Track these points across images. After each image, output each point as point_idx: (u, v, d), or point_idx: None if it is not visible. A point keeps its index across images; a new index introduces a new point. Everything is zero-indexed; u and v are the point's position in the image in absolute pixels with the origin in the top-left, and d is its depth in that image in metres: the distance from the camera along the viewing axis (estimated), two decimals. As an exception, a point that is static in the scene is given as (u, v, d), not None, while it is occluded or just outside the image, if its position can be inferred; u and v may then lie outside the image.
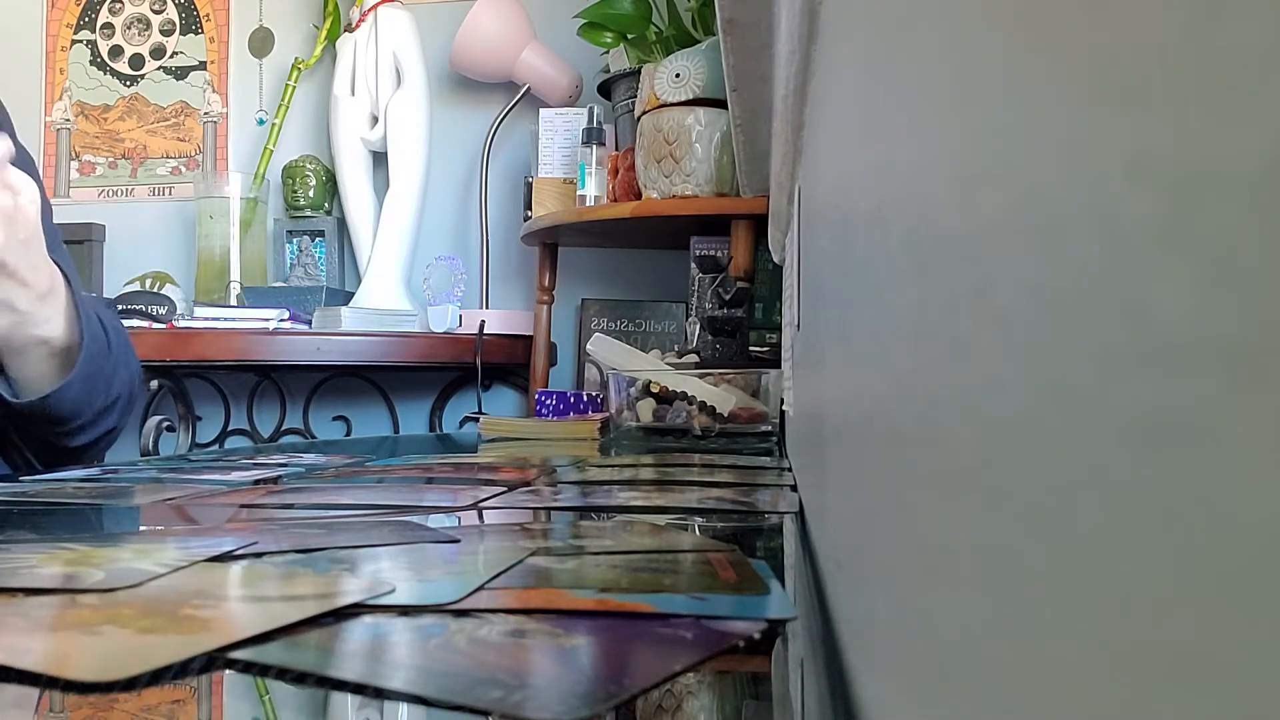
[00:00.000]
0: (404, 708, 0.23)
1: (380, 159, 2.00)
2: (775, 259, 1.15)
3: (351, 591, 0.31)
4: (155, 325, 1.73)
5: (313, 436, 2.02)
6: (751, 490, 0.62)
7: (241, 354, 1.65)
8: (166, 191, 2.22)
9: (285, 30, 2.16)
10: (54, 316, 0.81)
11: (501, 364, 1.85)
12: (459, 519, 0.50)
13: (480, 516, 0.52)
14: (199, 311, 1.75)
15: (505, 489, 0.61)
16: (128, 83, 2.24)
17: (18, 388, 0.82)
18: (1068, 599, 0.09)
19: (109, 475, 0.72)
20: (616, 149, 1.66)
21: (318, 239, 2.03)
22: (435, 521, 0.47)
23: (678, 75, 1.40)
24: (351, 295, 1.92)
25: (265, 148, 2.08)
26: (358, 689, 0.23)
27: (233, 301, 1.92)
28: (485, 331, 1.74)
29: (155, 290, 2.09)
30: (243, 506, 0.55)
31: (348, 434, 2.04)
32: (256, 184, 2.03)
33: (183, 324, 1.72)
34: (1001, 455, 0.12)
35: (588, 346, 1.21)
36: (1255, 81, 0.06)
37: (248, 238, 2.00)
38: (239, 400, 2.07)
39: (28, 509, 0.56)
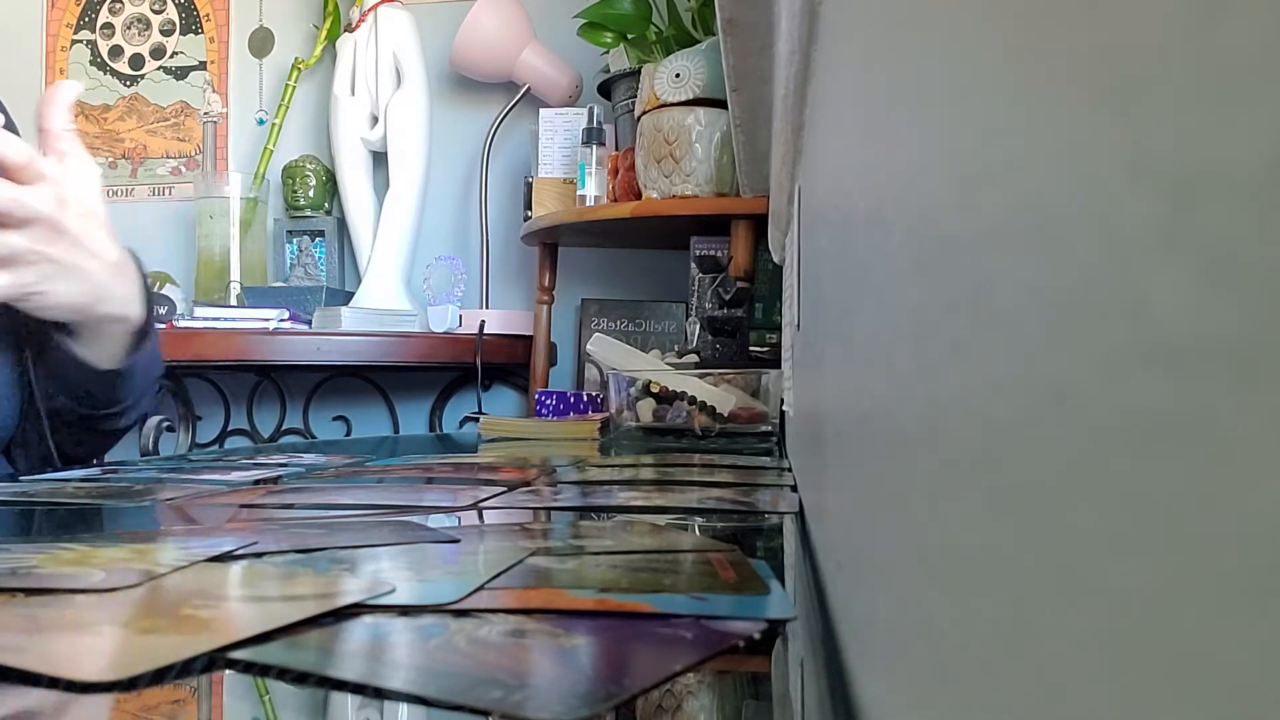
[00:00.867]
0: (404, 708, 0.23)
1: (380, 159, 2.00)
2: (775, 259, 1.15)
3: (351, 591, 0.31)
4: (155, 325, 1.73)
5: (313, 436, 2.02)
6: (751, 490, 0.62)
7: (241, 354, 1.65)
8: (166, 191, 2.22)
9: (285, 30, 2.16)
10: (130, 294, 0.82)
11: (501, 364, 1.85)
12: (459, 519, 0.50)
13: (480, 516, 0.52)
14: (199, 311, 1.75)
15: (505, 489, 0.61)
16: (128, 83, 2.24)
17: (92, 363, 0.84)
18: (1068, 599, 0.09)
19: (109, 475, 0.72)
20: (616, 149, 1.66)
21: (318, 239, 2.03)
22: (435, 521, 0.47)
23: (678, 75, 1.40)
24: (351, 295, 1.92)
25: (265, 148, 2.08)
26: (358, 689, 0.23)
27: (233, 301, 1.92)
28: (485, 331, 1.74)
29: (155, 290, 2.09)
30: (243, 506, 0.55)
31: (348, 434, 2.04)
32: (256, 184, 2.03)
33: (183, 324, 1.72)
34: (1001, 455, 0.12)
35: (588, 346, 1.21)
36: (1255, 81, 0.06)
37: (248, 238, 2.00)
38: (239, 400, 2.07)
39: (28, 509, 0.56)
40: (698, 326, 1.29)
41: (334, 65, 1.99)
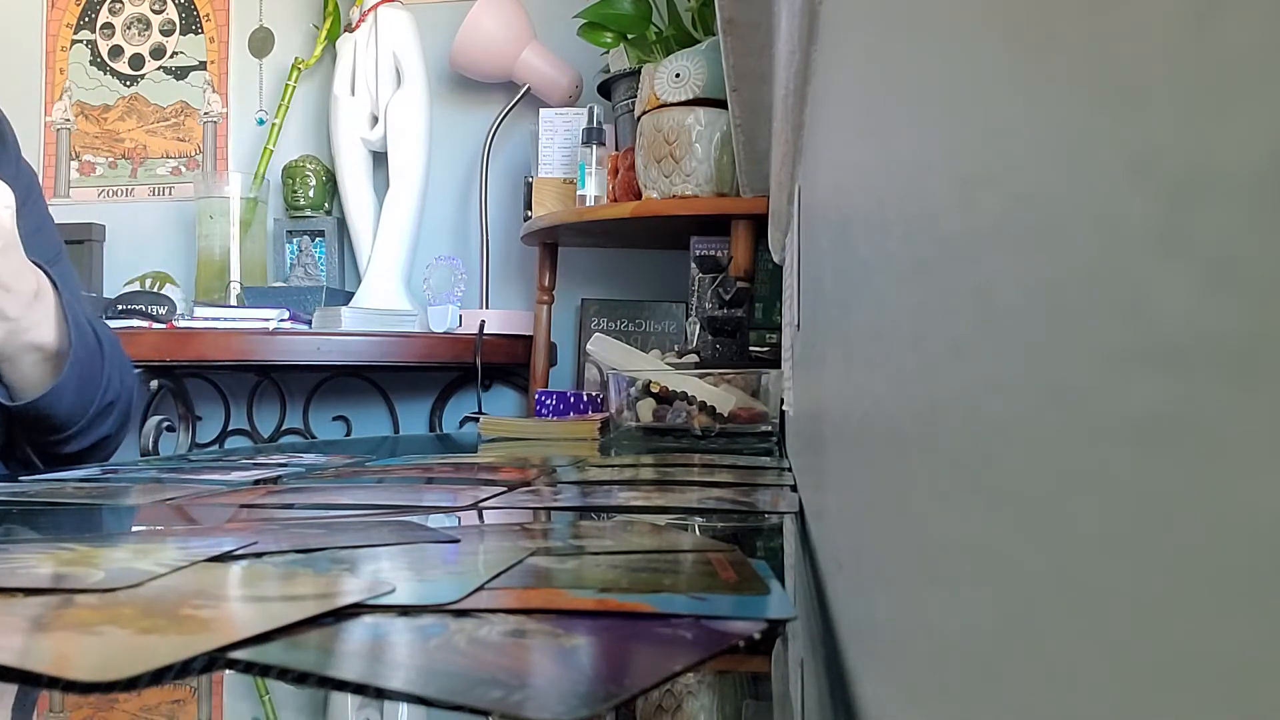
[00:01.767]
0: (404, 708, 0.23)
1: (380, 159, 2.00)
2: (775, 259, 1.15)
3: (351, 591, 0.31)
4: (155, 325, 1.73)
5: (313, 436, 2.02)
6: (751, 490, 0.62)
7: (241, 354, 1.65)
8: (166, 191, 2.22)
9: (285, 30, 2.16)
10: (43, 321, 0.81)
11: (501, 364, 1.85)
12: (459, 519, 0.50)
13: (480, 516, 0.52)
14: (199, 311, 1.75)
15: (505, 489, 0.61)
16: (128, 83, 2.24)
17: (14, 393, 0.82)
18: (1067, 599, 0.09)
19: (109, 475, 0.72)
20: (616, 149, 1.66)
21: (318, 239, 2.03)
22: (435, 521, 0.47)
23: (678, 75, 1.40)
24: (351, 295, 1.92)
25: (265, 148, 2.08)
26: (358, 689, 0.23)
27: (233, 301, 1.92)
28: (485, 331, 1.74)
29: (155, 290, 2.09)
30: (243, 506, 0.55)
31: (348, 434, 2.04)
32: (256, 184, 2.03)
33: (183, 324, 1.72)
34: (1001, 455, 0.12)
35: (588, 346, 1.21)
36: (1255, 81, 0.06)
37: (248, 238, 2.00)
38: (239, 400, 2.07)
39: (28, 509, 0.56)
40: (698, 326, 1.29)
41: (334, 65, 1.99)
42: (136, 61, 2.23)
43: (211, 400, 2.06)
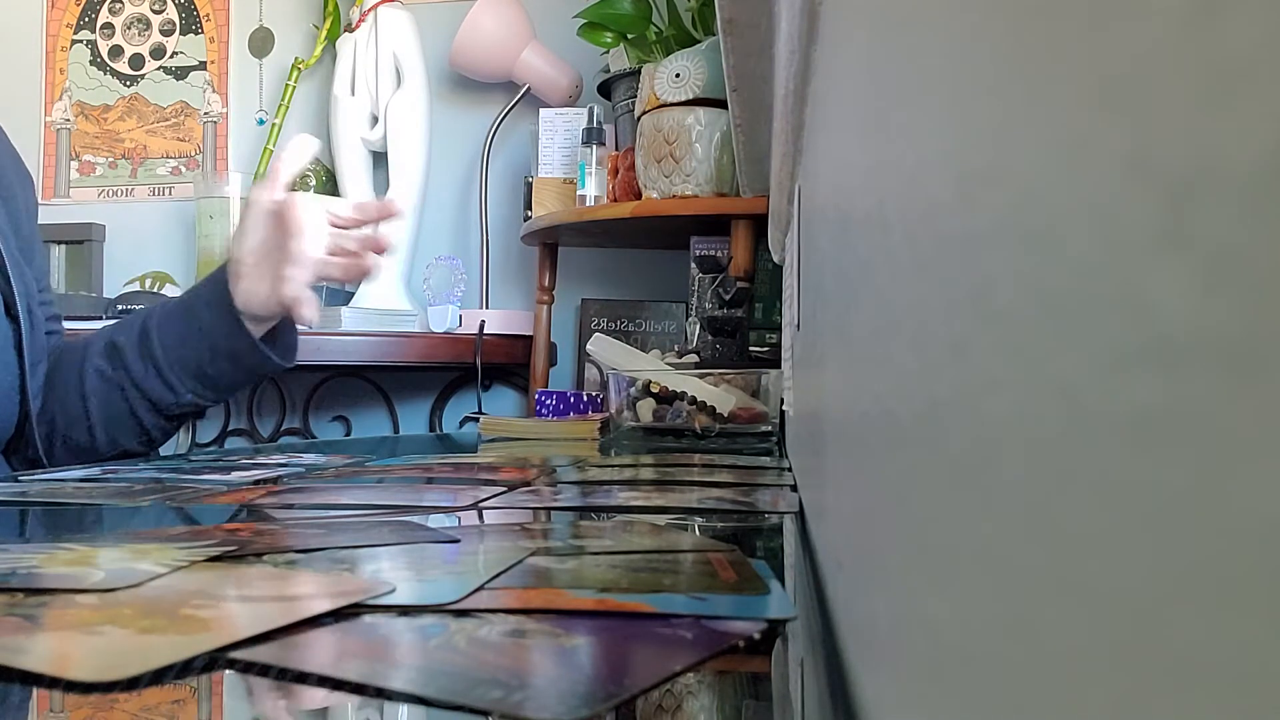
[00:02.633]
0: (404, 708, 0.23)
1: (380, 159, 2.00)
2: (775, 259, 1.15)
3: (351, 591, 0.31)
4: (155, 325, 1.72)
5: (313, 436, 2.02)
6: (751, 490, 0.62)
7: (241, 354, 1.64)
8: (166, 191, 2.22)
9: (285, 30, 2.16)
10: None
11: (501, 364, 1.85)
12: (459, 519, 0.50)
13: (480, 516, 0.52)
14: (199, 311, 1.74)
15: (505, 489, 0.61)
16: (128, 83, 2.24)
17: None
18: (1067, 599, 0.09)
19: (109, 475, 0.72)
20: (616, 149, 1.66)
21: (318, 239, 2.02)
22: (435, 521, 0.47)
23: (678, 75, 1.40)
24: (351, 295, 1.92)
25: (265, 148, 2.08)
26: (358, 689, 0.23)
27: (233, 301, 1.92)
28: (485, 331, 1.74)
29: (155, 290, 2.09)
30: (243, 506, 0.55)
31: (348, 434, 2.04)
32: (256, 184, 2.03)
33: (183, 324, 1.72)
34: (1001, 455, 0.12)
35: (588, 346, 1.21)
36: (1255, 81, 0.06)
37: (248, 238, 1.99)
38: (239, 400, 2.07)
39: (28, 509, 0.56)
40: (698, 326, 1.29)
41: (334, 65, 1.99)
42: (136, 61, 2.23)
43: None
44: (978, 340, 0.13)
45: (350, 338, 1.71)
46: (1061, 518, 0.10)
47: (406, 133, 1.93)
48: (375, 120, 1.97)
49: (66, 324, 1.03)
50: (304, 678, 0.24)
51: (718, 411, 1.03)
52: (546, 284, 1.76)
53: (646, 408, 1.07)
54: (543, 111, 1.79)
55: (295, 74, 2.08)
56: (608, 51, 1.70)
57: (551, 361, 1.81)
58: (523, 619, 0.28)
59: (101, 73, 2.25)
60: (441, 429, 2.01)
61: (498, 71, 1.89)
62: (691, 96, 1.39)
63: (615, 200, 1.57)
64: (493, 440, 1.13)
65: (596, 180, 1.61)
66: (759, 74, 0.88)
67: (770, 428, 1.04)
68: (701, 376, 1.06)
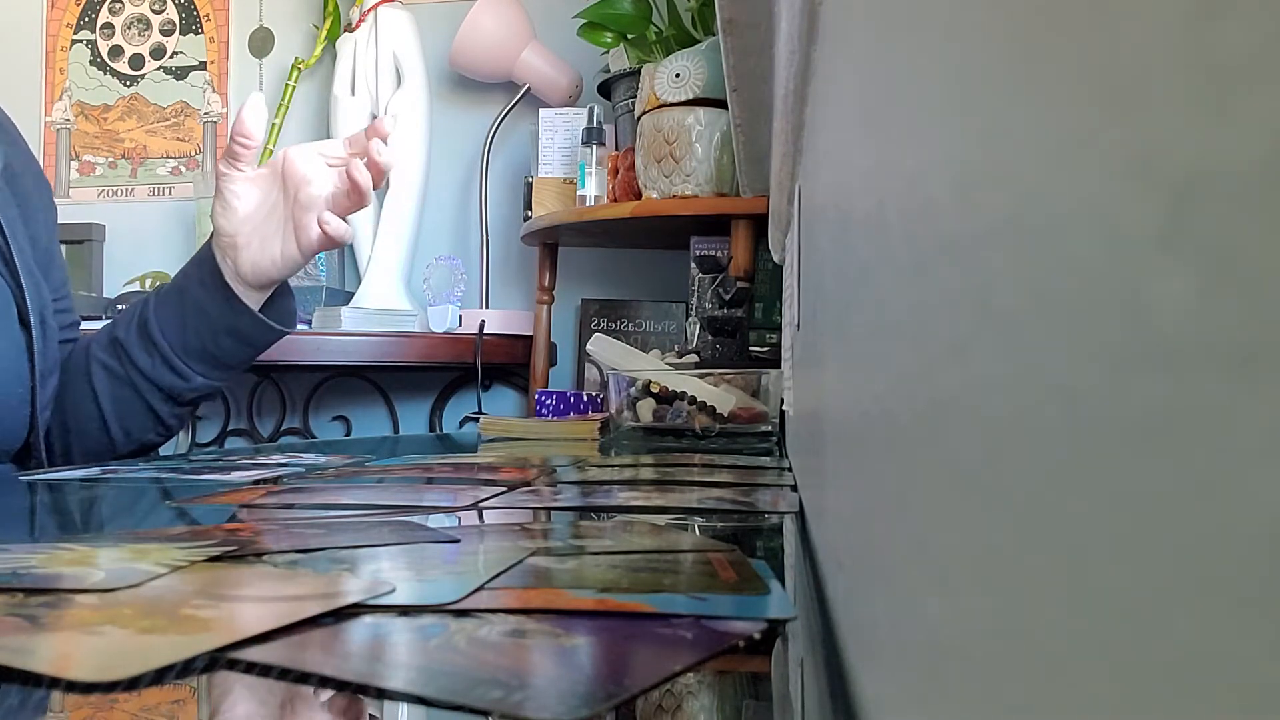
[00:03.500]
0: (404, 708, 0.23)
1: (380, 159, 1.99)
2: (775, 259, 1.15)
3: (351, 591, 0.31)
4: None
5: (313, 436, 2.02)
6: (751, 490, 0.62)
7: (241, 354, 1.64)
8: (166, 191, 2.22)
9: (285, 30, 2.16)
10: None
11: (501, 364, 1.85)
12: (459, 519, 0.50)
13: (480, 516, 0.52)
14: (199, 311, 1.74)
15: (505, 489, 0.61)
16: (128, 83, 2.24)
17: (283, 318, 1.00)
18: (1068, 599, 0.09)
19: (108, 475, 0.72)
20: (616, 149, 1.66)
21: (318, 239, 2.02)
22: (435, 521, 0.47)
23: (678, 75, 1.40)
24: (351, 295, 1.92)
25: (265, 148, 2.08)
26: (358, 689, 0.23)
27: (233, 301, 1.92)
28: (485, 331, 1.74)
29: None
30: (243, 506, 0.55)
31: (348, 434, 2.04)
32: (256, 184, 2.02)
33: (183, 324, 1.72)
34: (1001, 455, 0.12)
35: (588, 346, 1.21)
36: (1255, 81, 0.06)
37: (248, 238, 1.99)
38: (239, 400, 2.07)
39: (28, 509, 0.56)
40: (698, 326, 1.29)
41: (334, 65, 1.99)
42: (136, 61, 2.23)
43: (211, 400, 2.06)
44: (978, 340, 0.13)
45: (350, 338, 1.71)
46: (1061, 518, 0.10)
47: (406, 133, 1.93)
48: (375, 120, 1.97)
49: (66, 324, 1.03)
50: (304, 678, 0.24)
51: (718, 411, 1.03)
52: (546, 284, 1.76)
53: (646, 408, 1.07)
54: (543, 111, 1.79)
55: (295, 74, 2.08)
56: (608, 51, 1.70)
57: (551, 361, 1.81)
58: (523, 619, 0.28)
59: (101, 73, 2.25)
60: (441, 429, 2.01)
61: (498, 71, 1.89)
62: (691, 96, 1.39)
63: (615, 200, 1.57)
64: (493, 440, 1.13)
65: (596, 180, 1.61)
66: (759, 74, 0.88)
67: (770, 428, 1.04)
68: (701, 376, 1.06)
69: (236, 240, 0.93)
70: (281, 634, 0.26)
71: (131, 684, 0.23)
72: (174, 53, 2.22)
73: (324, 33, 2.06)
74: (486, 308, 1.92)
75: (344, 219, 0.95)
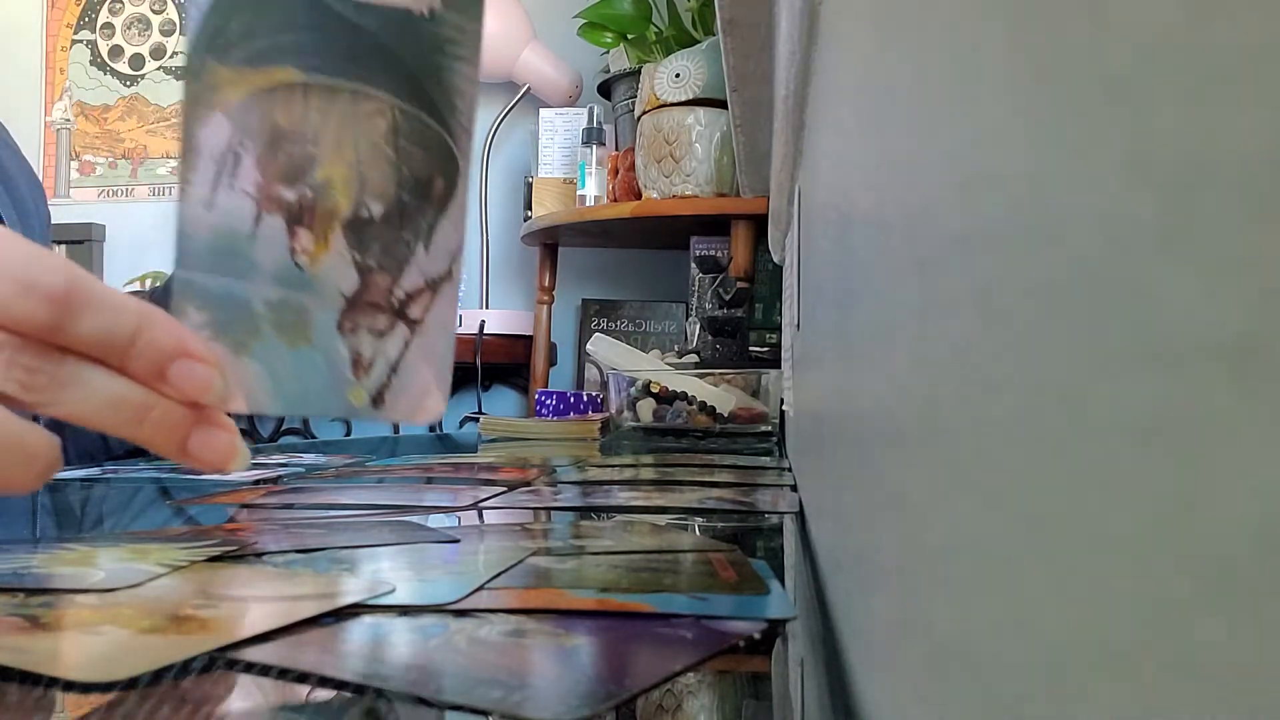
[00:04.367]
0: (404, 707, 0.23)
1: (380, 159, 1.99)
2: (775, 259, 1.15)
3: (351, 591, 0.31)
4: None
5: (313, 436, 2.02)
6: (751, 490, 0.62)
7: (241, 354, 1.64)
8: (166, 191, 2.22)
9: (285, 30, 2.16)
10: None
11: (501, 364, 1.85)
12: (459, 519, 0.50)
13: (480, 516, 0.52)
14: (199, 311, 1.74)
15: (505, 489, 0.61)
16: (128, 83, 2.24)
17: None
18: (1067, 599, 0.09)
19: (108, 475, 0.72)
20: (616, 149, 1.65)
21: (318, 239, 2.02)
22: (435, 521, 0.47)
23: (678, 75, 1.40)
24: (351, 295, 1.92)
25: (265, 148, 2.08)
26: (358, 689, 0.23)
27: (233, 301, 1.92)
28: (485, 331, 1.74)
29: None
30: (243, 506, 0.55)
31: (348, 434, 2.04)
32: (256, 184, 2.02)
33: (183, 324, 1.72)
34: (1001, 455, 0.12)
35: (588, 346, 1.21)
36: (1254, 80, 0.06)
37: (248, 238, 1.99)
38: (239, 400, 2.07)
39: (28, 509, 0.56)
40: (698, 326, 1.29)
41: (334, 65, 1.99)
42: (136, 61, 2.23)
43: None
44: (978, 340, 0.13)
45: (350, 338, 1.70)
46: (1061, 518, 0.10)
47: (406, 133, 1.92)
48: (375, 120, 1.96)
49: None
50: (304, 678, 0.24)
51: (718, 411, 1.03)
52: (546, 284, 1.76)
53: (646, 408, 1.07)
54: (543, 111, 1.79)
55: (295, 74, 2.08)
56: (608, 51, 1.70)
57: (551, 361, 1.81)
58: (523, 619, 0.28)
59: (101, 73, 2.25)
60: (441, 429, 2.01)
61: (498, 71, 1.89)
62: (691, 96, 1.39)
63: (615, 200, 1.57)
64: (493, 440, 1.13)
65: (596, 180, 1.61)
66: (759, 74, 0.88)
67: (770, 428, 1.04)
68: (701, 376, 1.06)
69: None
70: (281, 634, 0.26)
71: (131, 684, 0.23)
72: (174, 53, 2.22)
73: (324, 33, 2.06)
74: (486, 308, 1.92)
75: None
